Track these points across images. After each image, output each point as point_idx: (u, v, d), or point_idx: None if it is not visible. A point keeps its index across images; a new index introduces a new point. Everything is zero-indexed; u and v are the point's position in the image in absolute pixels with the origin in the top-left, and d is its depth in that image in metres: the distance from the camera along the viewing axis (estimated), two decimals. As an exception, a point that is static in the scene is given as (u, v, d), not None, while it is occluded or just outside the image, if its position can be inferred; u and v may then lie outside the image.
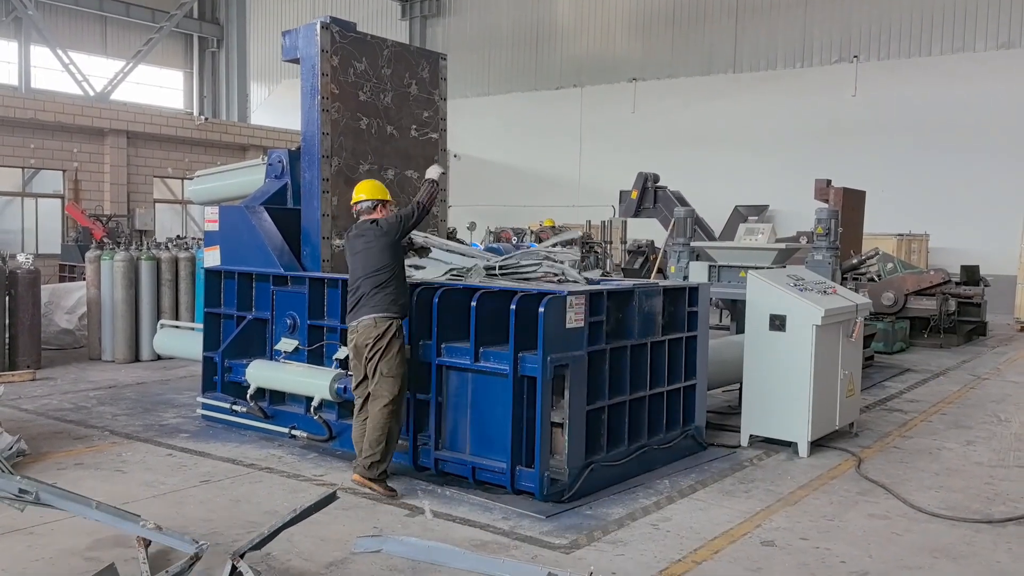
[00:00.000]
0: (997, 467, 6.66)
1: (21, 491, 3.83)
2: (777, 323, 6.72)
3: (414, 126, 7.82)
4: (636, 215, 14.51)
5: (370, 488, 5.64)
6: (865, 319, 7.52)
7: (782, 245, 9.23)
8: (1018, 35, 20.64)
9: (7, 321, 9.91)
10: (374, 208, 6.06)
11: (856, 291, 10.28)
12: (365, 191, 6.11)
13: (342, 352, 6.68)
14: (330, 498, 4.10)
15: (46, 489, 3.89)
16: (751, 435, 7.05)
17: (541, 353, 5.31)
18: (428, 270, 6.79)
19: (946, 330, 13.97)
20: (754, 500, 5.69)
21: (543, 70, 28.03)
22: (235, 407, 7.25)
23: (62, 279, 16.03)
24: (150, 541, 4.33)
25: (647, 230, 19.43)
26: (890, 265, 15.13)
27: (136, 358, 10.80)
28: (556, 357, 5.37)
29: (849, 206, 13.33)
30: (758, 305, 6.87)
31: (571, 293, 5.52)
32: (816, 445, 6.91)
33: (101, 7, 29.99)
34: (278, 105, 31.97)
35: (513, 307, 5.44)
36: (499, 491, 5.61)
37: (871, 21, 22.42)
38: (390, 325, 5.71)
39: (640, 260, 18.27)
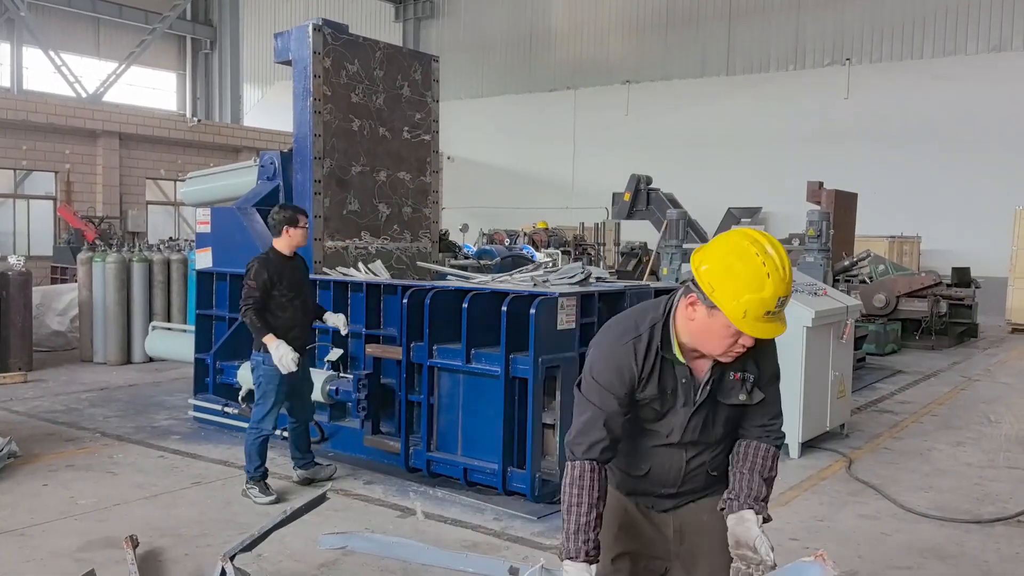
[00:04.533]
0: (987, 468, 6.69)
1: None
2: (768, 324, 6.72)
3: (406, 128, 7.83)
4: (629, 217, 14.55)
5: None
6: (856, 321, 7.55)
7: (774, 247, 9.27)
8: (1009, 38, 20.75)
9: (-2, 323, 9.89)
10: None
11: (848, 293, 10.33)
12: None
13: (334, 354, 6.69)
14: (321, 499, 4.11)
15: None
16: (742, 436, 7.06)
17: (532, 354, 5.31)
18: None
19: (937, 332, 14.03)
20: (745, 501, 5.70)
21: (537, 72, 28.05)
22: (227, 409, 7.24)
23: (54, 281, 15.97)
24: (138, 542, 4.35)
25: (640, 232, 19.47)
26: (882, 267, 15.18)
27: (128, 360, 10.77)
28: (547, 358, 5.38)
29: (841, 208, 13.35)
30: (749, 307, 6.86)
31: (562, 295, 5.53)
32: (807, 446, 6.93)
33: (94, 8, 29.88)
34: (271, 107, 31.91)
35: (504, 308, 5.44)
36: (491, 492, 5.61)
37: (863, 24, 22.51)
38: None
39: (633, 262, 18.31)
